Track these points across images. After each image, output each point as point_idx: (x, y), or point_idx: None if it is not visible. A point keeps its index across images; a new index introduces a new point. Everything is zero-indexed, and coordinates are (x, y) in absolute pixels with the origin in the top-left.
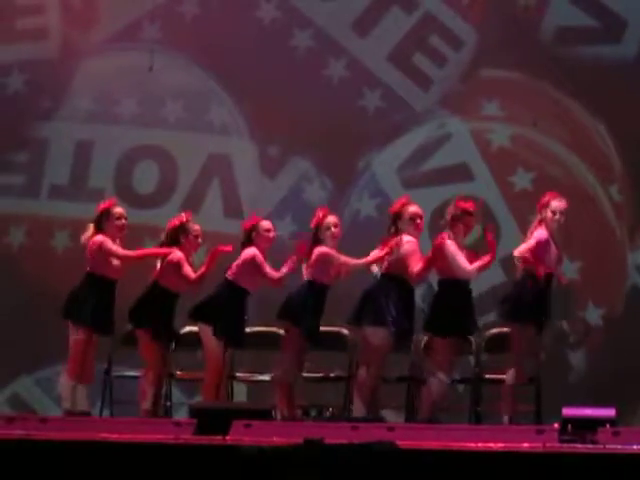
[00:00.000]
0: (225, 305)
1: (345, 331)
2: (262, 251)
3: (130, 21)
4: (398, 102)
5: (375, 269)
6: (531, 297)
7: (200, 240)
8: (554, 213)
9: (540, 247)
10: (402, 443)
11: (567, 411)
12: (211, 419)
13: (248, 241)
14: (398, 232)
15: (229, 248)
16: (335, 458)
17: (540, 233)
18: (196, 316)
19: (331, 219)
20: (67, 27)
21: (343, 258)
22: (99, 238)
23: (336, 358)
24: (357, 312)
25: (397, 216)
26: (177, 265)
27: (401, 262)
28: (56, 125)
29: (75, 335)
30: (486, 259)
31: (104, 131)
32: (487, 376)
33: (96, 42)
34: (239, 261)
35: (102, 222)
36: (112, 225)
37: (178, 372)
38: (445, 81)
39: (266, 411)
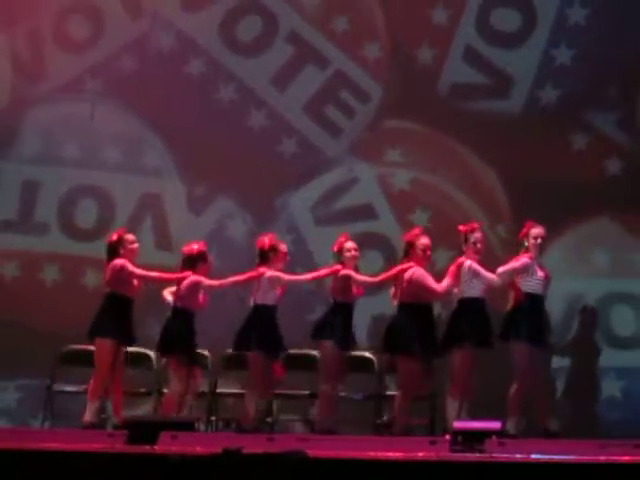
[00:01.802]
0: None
1: (313, 352)
2: (279, 270)
3: (74, 74)
4: (312, 148)
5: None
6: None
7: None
8: (535, 239)
9: (522, 270)
10: (312, 453)
11: (457, 424)
12: (141, 430)
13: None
14: (409, 259)
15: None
16: (251, 466)
17: (523, 259)
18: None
19: (351, 244)
20: (16, 78)
21: (362, 277)
22: (120, 261)
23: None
24: (386, 341)
25: (409, 245)
26: (196, 285)
27: (416, 289)
28: (6, 166)
29: (101, 351)
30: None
31: (49, 172)
32: (387, 393)
33: (42, 92)
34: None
35: (118, 249)
36: (127, 250)
37: None
38: (353, 130)
39: (190, 423)
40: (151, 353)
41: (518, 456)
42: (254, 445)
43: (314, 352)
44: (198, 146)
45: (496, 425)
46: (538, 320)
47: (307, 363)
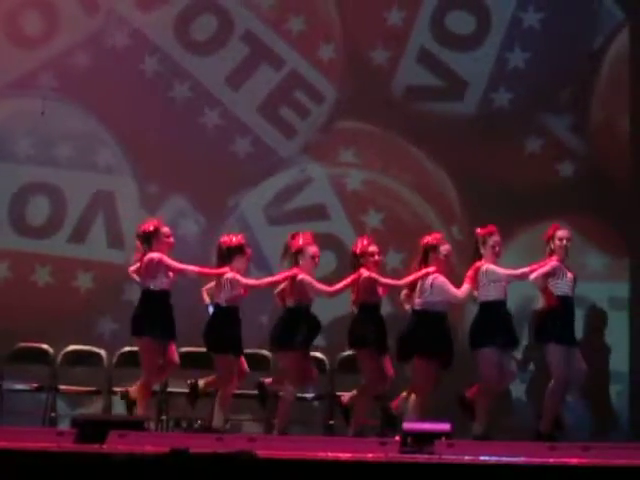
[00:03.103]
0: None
1: (266, 352)
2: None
3: (27, 69)
4: (265, 148)
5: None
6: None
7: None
8: (561, 240)
9: (552, 273)
10: (261, 453)
11: (407, 425)
12: (90, 429)
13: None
14: (426, 264)
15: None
16: (199, 466)
17: (552, 262)
18: None
19: (373, 248)
20: None
21: (384, 280)
22: (156, 255)
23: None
24: (402, 348)
25: (432, 248)
26: (235, 282)
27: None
28: None
29: (143, 349)
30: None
31: (1, 169)
32: (338, 393)
33: None
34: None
35: (151, 240)
36: (162, 242)
37: (62, 386)
38: (307, 131)
39: (139, 422)
40: (102, 351)
41: (467, 458)
42: (203, 445)
43: (264, 352)
44: (151, 144)
45: (445, 427)
46: (570, 321)
47: (258, 363)
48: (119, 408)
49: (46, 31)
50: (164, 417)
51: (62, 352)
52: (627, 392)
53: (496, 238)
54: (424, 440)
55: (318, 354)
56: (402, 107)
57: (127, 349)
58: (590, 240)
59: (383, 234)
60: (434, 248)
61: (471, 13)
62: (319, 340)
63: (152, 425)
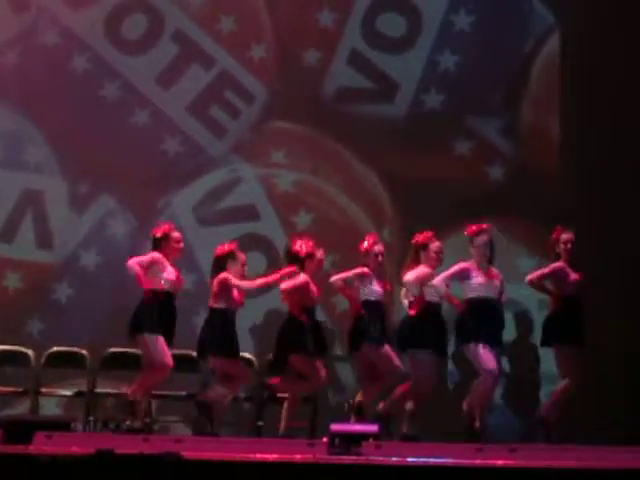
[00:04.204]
0: None
1: (194, 353)
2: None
3: None
4: (195, 148)
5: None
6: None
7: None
8: (565, 244)
9: (553, 274)
10: (188, 454)
11: (335, 427)
12: (16, 430)
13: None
14: (418, 262)
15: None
16: (125, 467)
17: (554, 264)
18: None
19: (378, 247)
20: None
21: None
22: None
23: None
24: (401, 339)
25: (422, 247)
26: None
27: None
28: None
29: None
30: None
31: None
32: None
33: None
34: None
35: (161, 244)
36: (171, 248)
37: None
38: (237, 131)
39: (66, 423)
40: (29, 352)
41: (394, 459)
42: (129, 446)
43: (194, 353)
44: (81, 143)
45: (373, 428)
46: (578, 321)
47: (187, 364)
48: (47, 409)
49: None
50: (91, 418)
51: None
52: None
53: (484, 237)
54: (352, 441)
55: (247, 355)
56: (333, 108)
57: (55, 349)
58: (520, 242)
59: (313, 235)
60: (424, 246)
61: (402, 15)
62: (248, 342)
63: (79, 426)
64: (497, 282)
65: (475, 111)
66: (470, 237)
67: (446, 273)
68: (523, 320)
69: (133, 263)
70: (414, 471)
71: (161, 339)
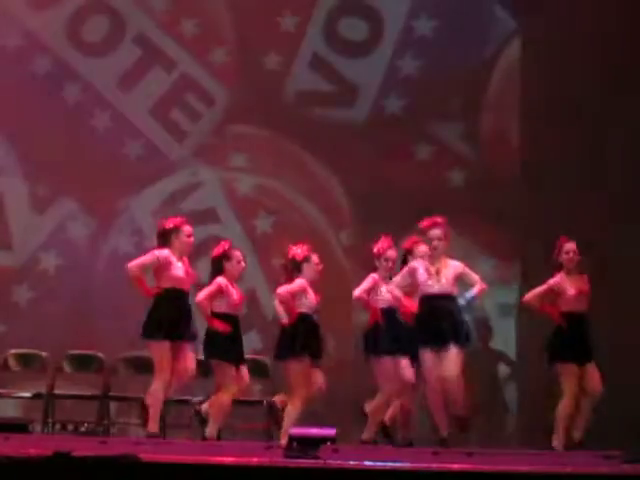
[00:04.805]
0: None
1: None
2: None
3: None
4: (156, 152)
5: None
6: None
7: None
8: (567, 253)
9: (549, 291)
10: (145, 457)
11: (293, 430)
12: None
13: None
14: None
15: None
16: (82, 469)
17: (550, 280)
18: None
19: (391, 253)
20: None
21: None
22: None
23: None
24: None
25: (409, 252)
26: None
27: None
28: None
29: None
30: None
31: None
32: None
33: None
34: None
35: (169, 238)
36: (182, 242)
37: None
38: (198, 134)
39: (23, 425)
40: None
41: (351, 463)
42: (87, 448)
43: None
44: (42, 145)
45: (331, 432)
46: (579, 338)
47: (142, 366)
48: (5, 411)
49: None
50: (50, 420)
51: None
52: (515, 397)
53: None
54: (309, 445)
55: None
56: (294, 112)
57: (14, 351)
58: (480, 246)
59: (273, 238)
60: (410, 251)
61: (364, 20)
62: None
63: (38, 428)
64: (450, 276)
65: (436, 116)
66: (423, 230)
67: (396, 277)
68: (483, 324)
69: (133, 267)
70: (371, 475)
71: (167, 344)
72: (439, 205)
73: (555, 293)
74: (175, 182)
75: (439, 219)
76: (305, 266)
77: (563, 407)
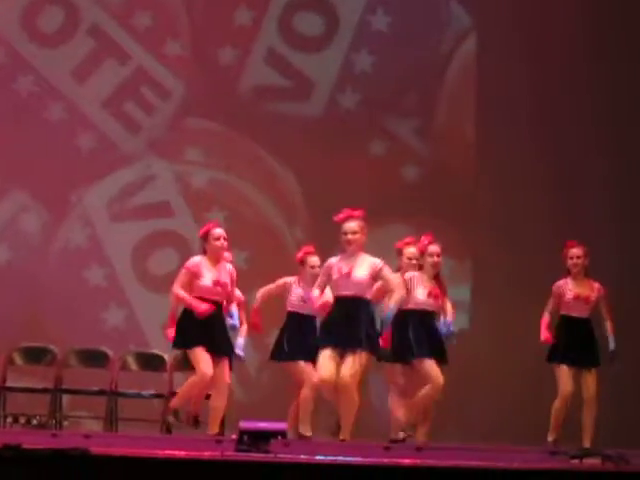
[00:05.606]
0: None
1: (106, 350)
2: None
3: None
4: (109, 144)
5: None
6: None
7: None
8: (571, 258)
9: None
10: (96, 450)
11: (244, 424)
12: None
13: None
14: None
15: None
16: (31, 462)
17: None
18: None
19: (434, 248)
20: None
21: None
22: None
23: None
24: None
25: (398, 251)
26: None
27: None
28: None
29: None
30: None
31: None
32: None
33: None
34: None
35: (204, 245)
36: (212, 247)
37: None
38: (153, 128)
39: None
40: None
41: (303, 457)
42: (37, 441)
43: (104, 349)
44: None
45: (281, 426)
46: (577, 342)
47: (95, 359)
48: None
49: None
50: (1, 413)
51: None
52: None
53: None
54: (260, 439)
55: (156, 351)
56: (249, 106)
57: None
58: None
59: (226, 233)
60: (399, 251)
61: (319, 14)
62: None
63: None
64: (364, 276)
65: (391, 111)
66: (338, 223)
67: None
68: None
69: (174, 289)
70: (322, 469)
71: (198, 350)
72: (392, 201)
73: (554, 296)
74: (129, 175)
75: (356, 212)
76: (300, 269)
77: (554, 406)
